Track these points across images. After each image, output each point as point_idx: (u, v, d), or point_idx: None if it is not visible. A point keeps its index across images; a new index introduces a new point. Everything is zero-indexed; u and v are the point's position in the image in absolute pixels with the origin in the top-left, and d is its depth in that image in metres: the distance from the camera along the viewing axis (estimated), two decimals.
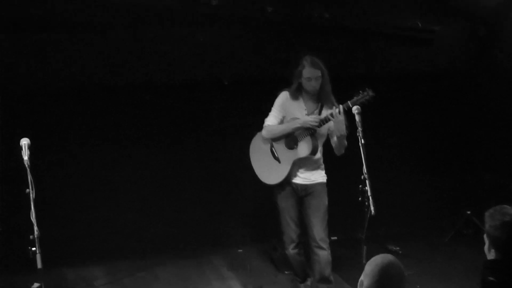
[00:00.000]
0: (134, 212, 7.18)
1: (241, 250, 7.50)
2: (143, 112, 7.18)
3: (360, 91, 5.58)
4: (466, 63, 7.90)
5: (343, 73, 6.22)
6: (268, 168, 5.98)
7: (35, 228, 4.41)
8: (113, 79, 6.89)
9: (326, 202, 5.92)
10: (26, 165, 4.57)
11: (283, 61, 6.87)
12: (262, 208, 7.27)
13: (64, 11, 6.50)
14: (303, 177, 5.90)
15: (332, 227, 6.02)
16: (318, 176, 5.94)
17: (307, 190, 5.90)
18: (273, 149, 5.96)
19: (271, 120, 5.93)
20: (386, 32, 7.48)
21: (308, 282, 6.15)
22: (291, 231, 5.95)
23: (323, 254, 5.87)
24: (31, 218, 4.42)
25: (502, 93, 7.68)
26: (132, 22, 6.78)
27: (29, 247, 4.44)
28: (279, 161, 5.92)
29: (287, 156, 5.87)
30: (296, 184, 5.90)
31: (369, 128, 5.48)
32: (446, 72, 7.90)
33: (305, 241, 6.03)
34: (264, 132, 5.95)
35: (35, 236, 4.41)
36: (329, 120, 5.61)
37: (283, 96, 5.93)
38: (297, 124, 5.80)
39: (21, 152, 4.68)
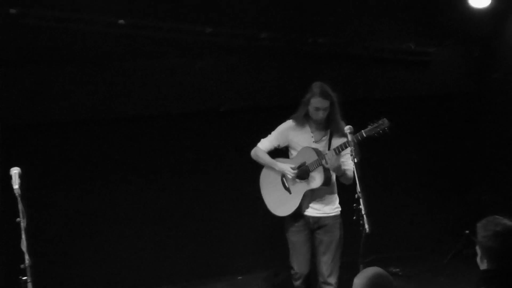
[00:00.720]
0: (131, 243, 7.17)
1: (241, 277, 7.45)
2: (140, 143, 7.20)
3: (375, 120, 5.34)
4: (463, 84, 7.94)
5: (342, 98, 6.22)
6: (278, 199, 5.79)
7: (26, 257, 4.40)
8: (109, 112, 6.94)
9: (338, 236, 5.72)
10: (17, 194, 4.53)
11: (279, 87, 6.93)
12: (263, 236, 7.27)
13: (58, 44, 6.60)
14: (315, 209, 5.70)
15: None
16: (331, 209, 5.73)
17: (319, 223, 5.70)
18: (283, 179, 5.78)
19: (264, 144, 5.81)
20: (383, 56, 7.53)
21: None
22: (300, 267, 5.77)
23: None
24: (22, 247, 4.39)
25: (499, 113, 7.69)
26: (127, 54, 6.86)
27: (20, 277, 4.42)
28: (289, 192, 5.73)
29: (298, 187, 5.66)
30: (308, 217, 5.71)
31: (369, 151, 5.46)
32: (444, 93, 7.91)
33: (313, 275, 5.91)
34: (252, 152, 5.85)
35: (26, 265, 4.40)
36: (318, 165, 5.49)
37: (286, 125, 5.76)
38: (276, 167, 5.72)
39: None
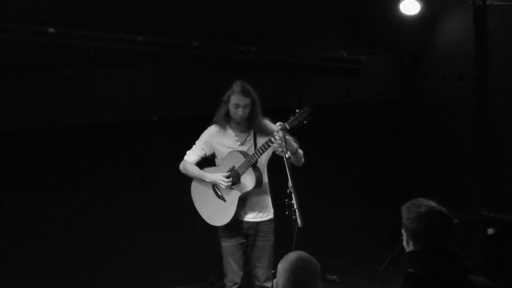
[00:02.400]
0: (96, 254, 7.14)
1: None
2: (71, 154, 7.09)
3: (297, 110, 5.36)
4: (393, 91, 8.03)
5: (274, 106, 6.20)
6: (214, 209, 5.72)
7: None
8: (38, 122, 6.79)
9: (272, 241, 5.74)
10: None
11: (211, 96, 6.88)
12: (199, 247, 7.20)
13: None
14: (250, 214, 5.69)
15: None
16: (266, 213, 5.73)
17: (254, 228, 5.68)
18: (215, 188, 5.73)
19: (190, 156, 5.77)
20: (315, 64, 7.58)
21: None
22: (233, 273, 5.73)
23: None
24: None
25: (430, 119, 7.80)
26: (57, 63, 6.77)
27: None
28: (224, 200, 5.68)
29: (232, 193, 5.62)
30: (243, 222, 5.68)
31: (305, 158, 5.48)
32: (375, 100, 8.00)
33: (246, 282, 5.90)
34: (180, 166, 5.79)
35: None
36: (260, 154, 5.43)
37: (209, 132, 5.74)
38: (207, 178, 5.67)
39: None
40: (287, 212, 4.87)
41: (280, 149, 5.26)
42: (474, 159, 7.19)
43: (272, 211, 5.76)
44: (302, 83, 7.61)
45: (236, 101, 5.52)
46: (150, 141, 7.24)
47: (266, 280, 5.72)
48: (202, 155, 5.76)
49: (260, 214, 5.70)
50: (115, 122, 7.02)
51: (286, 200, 4.88)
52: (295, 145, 5.42)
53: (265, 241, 5.71)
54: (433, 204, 3.33)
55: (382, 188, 8.13)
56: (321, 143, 7.77)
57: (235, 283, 5.76)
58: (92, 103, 6.89)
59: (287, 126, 5.25)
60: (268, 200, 5.76)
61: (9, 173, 6.74)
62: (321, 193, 7.83)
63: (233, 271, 5.73)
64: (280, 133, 5.15)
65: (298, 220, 4.78)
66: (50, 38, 6.53)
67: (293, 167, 5.00)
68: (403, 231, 3.37)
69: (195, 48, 7.01)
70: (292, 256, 3.18)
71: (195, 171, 5.74)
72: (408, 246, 3.36)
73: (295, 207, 4.82)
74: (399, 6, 7.33)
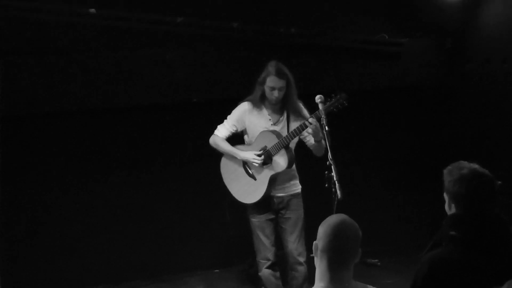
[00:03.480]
0: (107, 238, 7.08)
1: (217, 271, 7.39)
2: (109, 136, 7.09)
3: (333, 95, 5.35)
4: (434, 75, 7.92)
5: (314, 89, 6.15)
6: (244, 188, 5.72)
7: None
8: (79, 105, 6.81)
9: (303, 214, 5.76)
10: None
11: (250, 78, 6.86)
12: (237, 229, 7.18)
13: (26, 35, 6.52)
14: (279, 189, 5.71)
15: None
16: (294, 187, 5.77)
17: (283, 203, 5.71)
18: (246, 166, 5.72)
19: (221, 132, 5.76)
20: (355, 47, 7.50)
21: None
22: (265, 249, 5.73)
23: (301, 269, 5.74)
24: None
25: (472, 104, 7.68)
26: (96, 44, 6.78)
27: None
28: (254, 178, 5.67)
29: (263, 173, 5.62)
30: (273, 197, 5.70)
31: (345, 145, 5.44)
32: (416, 85, 7.89)
33: (280, 258, 5.88)
34: (210, 140, 5.80)
35: None
36: (294, 136, 5.47)
37: (242, 108, 5.73)
38: (238, 155, 5.66)
39: None
40: (326, 185, 4.84)
41: (313, 137, 5.38)
42: None
43: (300, 187, 5.80)
44: (342, 66, 7.55)
45: (272, 84, 5.52)
46: (189, 123, 7.21)
47: (300, 254, 5.72)
48: (233, 131, 5.76)
49: (289, 189, 5.73)
50: (154, 103, 7.01)
51: (326, 172, 4.85)
52: (320, 135, 5.38)
53: (295, 213, 5.73)
54: (475, 166, 3.27)
55: (423, 174, 7.99)
56: (361, 127, 7.71)
57: (268, 259, 5.76)
58: (131, 84, 6.90)
59: (322, 112, 5.20)
60: (296, 176, 5.80)
61: (43, 156, 6.83)
62: (361, 178, 7.74)
63: (266, 247, 5.73)
64: (320, 106, 5.14)
65: (338, 192, 4.74)
66: (90, 19, 6.54)
67: (332, 140, 4.94)
68: (445, 194, 3.32)
69: (235, 30, 6.98)
70: (334, 219, 3.08)
71: (226, 147, 5.73)
72: (450, 209, 3.30)
73: (335, 179, 4.79)
74: None
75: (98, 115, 6.96)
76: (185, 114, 7.22)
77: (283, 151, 5.51)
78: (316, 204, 5.70)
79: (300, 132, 5.43)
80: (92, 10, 6.51)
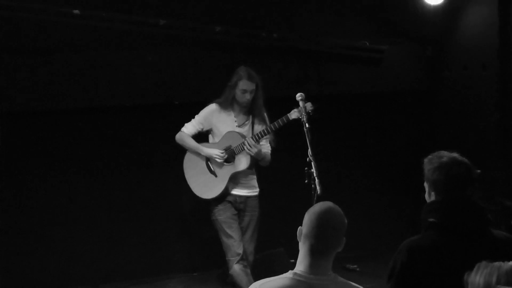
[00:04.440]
0: (87, 240, 7.06)
1: (196, 274, 7.39)
2: (89, 136, 7.11)
3: (295, 108, 5.59)
4: (415, 82, 8.01)
5: (295, 93, 6.21)
6: (204, 183, 5.98)
7: None
8: (61, 104, 6.84)
9: (258, 215, 6.02)
10: None
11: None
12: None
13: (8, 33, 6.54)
14: (241, 189, 5.97)
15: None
16: (254, 189, 6.05)
17: (245, 203, 5.98)
18: (208, 163, 5.97)
19: (188, 129, 6.03)
20: (336, 52, 7.57)
21: None
22: (234, 243, 5.89)
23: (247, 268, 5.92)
24: None
25: (451, 109, 7.76)
26: (79, 45, 6.80)
27: None
28: (215, 175, 5.94)
29: (225, 170, 5.93)
30: (235, 196, 5.94)
31: (324, 149, 5.51)
32: (396, 91, 7.97)
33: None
34: (177, 136, 6.04)
35: None
36: (256, 139, 5.77)
37: (210, 109, 6.02)
38: (203, 151, 5.94)
39: None
40: (306, 181, 4.92)
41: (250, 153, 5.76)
42: (496, 149, 7.12)
43: (258, 189, 6.06)
44: (323, 71, 7.61)
45: (244, 87, 5.83)
46: (170, 124, 7.20)
47: (251, 253, 5.98)
48: (199, 129, 6.04)
49: (249, 190, 6.00)
50: (135, 104, 7.05)
51: (306, 168, 4.94)
52: (262, 153, 5.83)
53: (252, 214, 6.00)
54: (454, 154, 3.32)
55: (402, 178, 8.06)
56: (339, 131, 7.76)
57: (238, 254, 5.90)
58: (113, 85, 6.92)
59: (280, 123, 5.67)
60: (255, 179, 6.06)
61: (31, 154, 6.82)
62: (339, 183, 7.74)
63: (235, 243, 5.89)
64: (301, 104, 5.26)
65: (318, 188, 4.82)
66: (74, 19, 6.56)
67: (312, 136, 5.02)
68: (425, 183, 3.36)
69: (218, 33, 7.03)
70: (320, 207, 3.11)
71: (192, 143, 6.01)
72: (429, 197, 3.35)
73: (315, 175, 4.87)
74: None
75: (81, 115, 6.99)
76: (166, 115, 7.21)
77: (246, 152, 5.78)
78: (295, 200, 5.75)
79: (263, 136, 5.80)
80: (76, 11, 6.53)
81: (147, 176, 7.24)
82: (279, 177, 7.06)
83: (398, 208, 7.99)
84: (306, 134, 5.08)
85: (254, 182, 6.04)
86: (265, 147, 5.93)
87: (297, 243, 3.10)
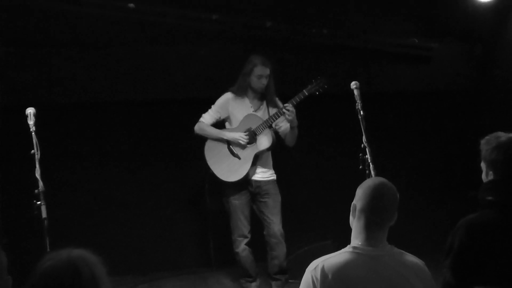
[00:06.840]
0: (83, 236, 6.94)
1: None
2: (144, 129, 7.26)
3: (313, 80, 5.92)
4: (464, 81, 7.97)
5: (344, 89, 6.27)
6: (228, 167, 6.06)
7: (40, 183, 4.65)
8: (114, 96, 6.99)
9: (280, 199, 6.11)
10: (32, 129, 4.87)
11: (281, 77, 6.96)
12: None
13: (65, 27, 6.71)
14: (259, 173, 6.08)
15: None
16: (270, 174, 6.15)
17: (261, 187, 6.06)
18: (231, 147, 6.08)
19: (206, 119, 6.15)
20: (385, 50, 7.59)
21: (258, 282, 6.24)
22: (243, 227, 6.07)
23: (283, 248, 6.06)
24: (36, 175, 4.67)
25: (499, 111, 7.71)
26: (133, 39, 6.93)
27: (34, 201, 4.65)
28: (239, 158, 6.04)
29: (248, 152, 6.03)
30: (252, 181, 6.05)
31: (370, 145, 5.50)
32: (445, 90, 7.96)
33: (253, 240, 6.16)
34: (196, 127, 6.15)
35: (40, 191, 4.66)
36: (276, 118, 5.91)
37: (225, 98, 6.16)
38: (225, 136, 6.05)
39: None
40: (360, 167, 4.94)
41: (289, 123, 5.87)
42: None
43: (275, 175, 6.18)
44: (372, 69, 7.63)
45: (260, 72, 5.99)
46: None
47: (282, 235, 6.05)
48: (217, 118, 6.16)
49: (266, 175, 6.10)
50: (187, 98, 7.13)
51: (360, 154, 4.96)
52: (296, 121, 5.87)
53: (274, 197, 6.08)
54: (511, 134, 3.34)
55: (447, 179, 8.03)
56: (387, 129, 7.74)
57: (246, 237, 6.10)
58: (165, 78, 7.04)
59: (305, 93, 5.87)
60: (271, 163, 6.18)
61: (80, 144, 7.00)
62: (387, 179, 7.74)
63: (243, 225, 6.06)
64: (355, 92, 5.29)
65: (372, 173, 4.84)
66: (128, 13, 6.70)
67: (366, 124, 5.07)
68: (482, 164, 3.39)
69: (268, 29, 7.11)
70: (373, 181, 3.20)
71: (212, 130, 6.12)
72: (487, 177, 3.38)
73: (369, 161, 4.90)
74: None
75: (133, 107, 7.15)
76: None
77: (267, 131, 6.00)
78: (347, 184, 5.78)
79: (279, 116, 5.91)
80: (131, 5, 6.67)
81: (195, 166, 7.27)
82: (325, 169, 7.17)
83: (442, 206, 7.92)
84: (361, 121, 5.11)
85: (271, 167, 6.16)
86: (284, 126, 6.06)
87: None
